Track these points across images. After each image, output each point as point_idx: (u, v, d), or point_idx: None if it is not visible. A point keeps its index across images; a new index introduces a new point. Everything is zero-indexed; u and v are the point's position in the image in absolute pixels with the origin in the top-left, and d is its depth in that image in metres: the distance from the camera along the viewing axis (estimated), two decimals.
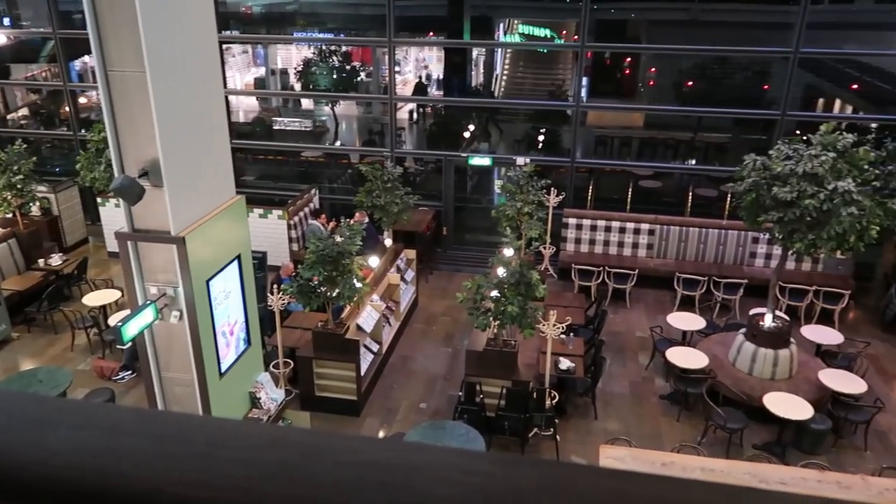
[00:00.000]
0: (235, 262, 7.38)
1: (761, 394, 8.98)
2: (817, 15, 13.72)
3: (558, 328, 8.63)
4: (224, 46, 15.40)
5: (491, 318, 8.66)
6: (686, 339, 10.73)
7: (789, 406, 8.72)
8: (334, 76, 16.86)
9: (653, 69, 19.01)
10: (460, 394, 9.12)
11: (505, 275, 8.69)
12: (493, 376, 9.03)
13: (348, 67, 17.14)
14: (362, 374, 9.61)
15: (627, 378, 10.46)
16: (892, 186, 10.96)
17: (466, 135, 16.91)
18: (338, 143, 18.01)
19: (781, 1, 13.23)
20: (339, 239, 8.95)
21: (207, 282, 6.82)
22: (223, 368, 7.30)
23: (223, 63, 14.62)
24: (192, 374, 6.92)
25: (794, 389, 9.25)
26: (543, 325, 8.64)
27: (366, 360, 9.99)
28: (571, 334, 10.06)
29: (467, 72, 18.53)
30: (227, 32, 15.14)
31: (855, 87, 15.99)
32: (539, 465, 0.67)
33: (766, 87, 14.83)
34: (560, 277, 13.13)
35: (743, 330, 9.98)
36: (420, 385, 10.32)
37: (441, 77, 19.06)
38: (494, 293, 8.63)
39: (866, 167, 8.74)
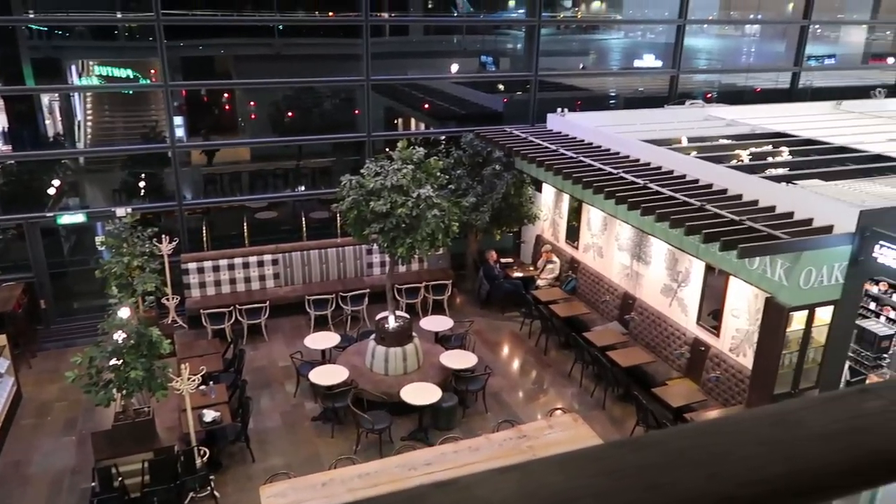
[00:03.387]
0: None
1: (398, 389, 9.81)
2: (381, 46, 15.51)
3: (194, 380, 8.17)
4: None
5: (114, 390, 7.77)
6: (326, 357, 11.13)
7: (423, 393, 9.71)
8: None
9: (252, 103, 19.27)
10: (94, 484, 7.98)
11: (122, 338, 7.88)
12: (131, 452, 8.14)
13: None
14: None
15: (278, 410, 10.42)
16: (463, 187, 13.02)
17: (52, 191, 14.86)
18: None
19: (348, 34, 14.58)
20: None
21: None
22: None
23: None
24: None
25: (425, 377, 10.33)
26: (177, 381, 8.09)
27: None
28: (211, 383, 9.61)
29: (40, 121, 16.28)
30: None
31: (426, 106, 18.53)
32: None
33: (356, 111, 16.24)
34: (191, 326, 12.45)
35: (373, 336, 10.76)
36: (43, 489, 8.74)
37: (5, 129, 16.39)
38: (113, 361, 7.76)
39: (439, 174, 10.20)
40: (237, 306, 12.35)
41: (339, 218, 12.80)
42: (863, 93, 17.07)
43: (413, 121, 18.91)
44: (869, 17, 18.97)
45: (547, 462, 0.66)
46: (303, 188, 16.16)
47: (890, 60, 18.99)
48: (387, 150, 13.85)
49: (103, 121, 18.71)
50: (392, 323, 10.58)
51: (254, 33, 15.66)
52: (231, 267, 12.95)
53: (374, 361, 10.53)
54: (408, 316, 11.14)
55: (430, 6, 17.17)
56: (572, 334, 11.44)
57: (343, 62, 16.13)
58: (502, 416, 9.78)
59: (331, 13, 15.33)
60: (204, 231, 13.83)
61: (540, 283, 13.36)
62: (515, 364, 12.03)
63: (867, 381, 10.07)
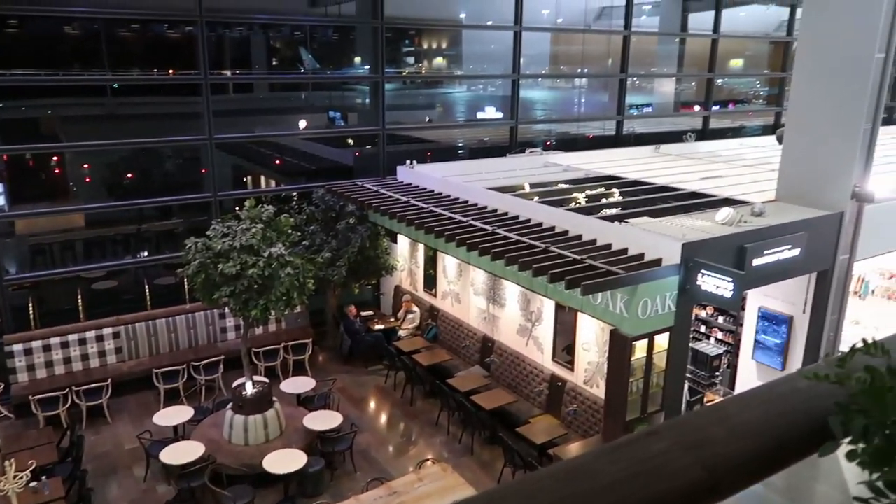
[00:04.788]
0: None
1: (261, 459, 9.31)
2: (225, 104, 15.16)
3: (22, 477, 7.29)
4: None
5: None
6: (179, 433, 10.37)
7: (287, 460, 9.28)
8: None
9: (86, 165, 17.97)
10: None
11: None
12: None
13: None
14: None
15: (126, 499, 9.51)
16: (317, 243, 12.86)
17: None
18: None
19: (188, 93, 14.14)
20: None
21: None
22: None
23: None
24: None
25: (289, 443, 9.90)
26: (1, 481, 7.17)
27: None
28: (44, 478, 8.59)
29: None
30: None
31: (278, 162, 18.24)
32: None
33: (204, 170, 15.62)
34: (19, 415, 11.15)
35: (230, 405, 10.20)
36: None
37: None
38: None
39: (290, 231, 10.01)
40: (73, 388, 11.23)
41: (186, 282, 12.16)
42: (677, 137, 19.04)
43: (263, 178, 18.53)
44: (676, 71, 21.32)
45: None
46: (146, 253, 15.21)
47: (696, 108, 21.39)
48: (237, 208, 13.42)
49: None
50: (250, 389, 10.09)
51: (84, 93, 14.76)
52: (65, 345, 11.82)
53: (232, 432, 9.96)
54: (267, 380, 10.68)
55: (274, 63, 17.09)
56: (437, 382, 11.50)
57: (185, 120, 15.56)
58: (372, 475, 9.55)
59: (171, 71, 14.82)
60: (31, 307, 12.55)
61: (402, 333, 13.38)
62: (382, 418, 11.87)
63: (705, 399, 10.97)
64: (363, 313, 13.88)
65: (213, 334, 13.01)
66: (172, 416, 10.46)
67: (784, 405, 1.15)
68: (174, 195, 14.92)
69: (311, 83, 17.57)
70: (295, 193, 15.51)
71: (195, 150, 15.61)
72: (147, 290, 13.60)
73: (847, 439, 1.00)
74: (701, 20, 20.73)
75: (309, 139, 17.19)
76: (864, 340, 1.14)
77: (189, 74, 13.72)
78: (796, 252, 9.68)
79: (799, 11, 17.74)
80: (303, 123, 16.61)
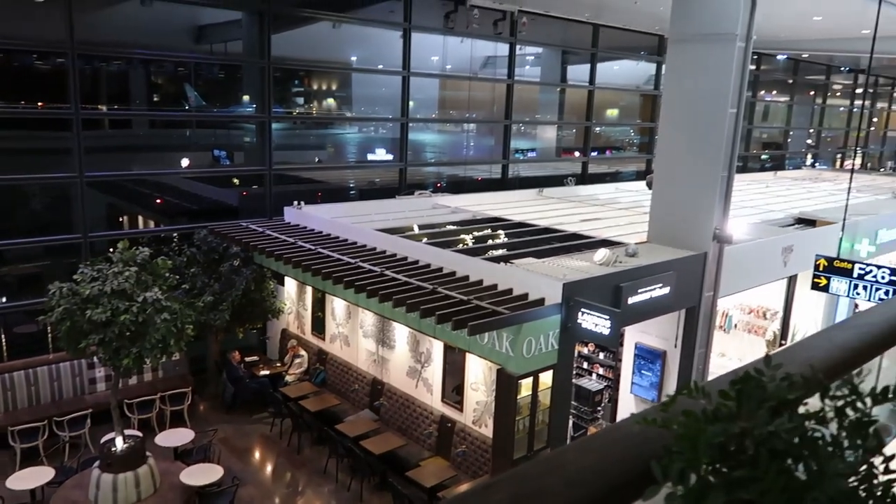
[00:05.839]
0: None
1: None
2: (100, 140, 14.37)
3: None
4: None
5: None
6: (38, 497, 9.45)
7: None
8: None
9: None
10: None
11: None
12: None
13: None
14: None
15: None
16: (199, 286, 12.32)
17: None
18: None
19: (57, 128, 13.31)
20: None
21: None
22: None
23: None
24: None
25: (163, 502, 9.27)
26: None
27: None
28: None
29: None
30: None
31: (158, 202, 17.38)
32: None
33: (72, 210, 14.61)
34: None
35: (97, 463, 9.43)
36: None
37: None
38: None
39: (168, 275, 9.54)
40: None
41: (49, 331, 11.26)
42: (558, 181, 19.96)
43: (141, 218, 17.61)
44: (557, 118, 22.44)
45: None
46: (3, 299, 13.95)
47: (576, 154, 22.56)
48: (112, 250, 12.62)
49: None
50: (120, 444, 9.39)
51: None
52: None
53: (99, 493, 9.17)
54: (140, 434, 9.99)
55: (156, 99, 16.45)
56: (325, 428, 11.19)
57: (54, 157, 14.60)
58: None
59: (39, 104, 13.91)
60: None
61: (288, 378, 12.96)
62: (267, 469, 11.36)
63: (588, 432, 11.33)
64: (247, 359, 13.35)
65: (79, 386, 12.04)
66: (29, 478, 9.51)
67: (617, 450, 1.20)
68: (39, 236, 13.85)
69: (195, 121, 17.03)
70: (175, 234, 14.83)
71: (65, 189, 14.64)
72: (3, 340, 12.44)
73: (668, 482, 1.06)
74: (579, 72, 22.03)
75: (192, 178, 16.57)
76: (687, 384, 1.22)
77: (59, 108, 12.95)
78: (666, 290, 10.31)
79: (664, 68, 19.28)
80: (185, 162, 16.01)
